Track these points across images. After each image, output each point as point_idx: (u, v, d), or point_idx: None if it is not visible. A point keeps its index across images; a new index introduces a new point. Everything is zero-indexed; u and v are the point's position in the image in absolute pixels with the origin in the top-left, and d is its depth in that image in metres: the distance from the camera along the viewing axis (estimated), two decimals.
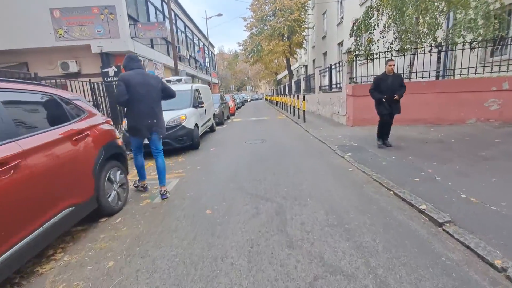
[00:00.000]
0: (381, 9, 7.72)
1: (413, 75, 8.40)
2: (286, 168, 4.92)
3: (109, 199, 3.28)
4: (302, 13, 24.33)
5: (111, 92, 11.72)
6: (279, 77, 38.04)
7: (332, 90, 11.24)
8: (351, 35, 8.71)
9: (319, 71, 13.27)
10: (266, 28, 25.85)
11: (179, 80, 8.87)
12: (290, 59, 27.77)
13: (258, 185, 4.15)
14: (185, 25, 22.04)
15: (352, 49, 8.76)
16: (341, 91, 9.70)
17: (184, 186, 4.34)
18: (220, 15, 24.17)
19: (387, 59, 5.93)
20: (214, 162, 5.78)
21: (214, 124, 10.87)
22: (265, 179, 4.39)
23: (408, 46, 7.71)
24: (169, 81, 8.90)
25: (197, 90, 8.61)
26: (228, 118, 15.67)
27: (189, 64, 22.22)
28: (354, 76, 8.95)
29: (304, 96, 11.08)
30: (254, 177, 4.52)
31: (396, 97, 5.39)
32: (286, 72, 37.12)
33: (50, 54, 12.32)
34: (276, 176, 4.53)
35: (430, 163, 4.48)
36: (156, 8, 16.15)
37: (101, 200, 3.12)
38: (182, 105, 7.48)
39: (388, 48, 8.25)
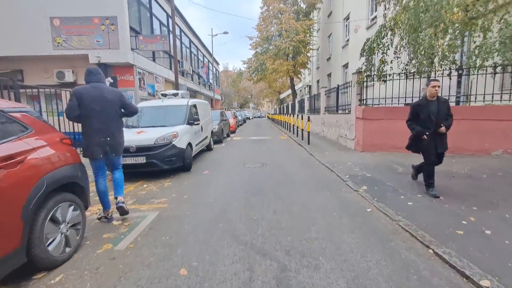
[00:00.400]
0: (396, 29, 7.11)
1: None
2: (289, 204, 4.03)
3: (50, 248, 2.39)
4: (308, 35, 24.25)
5: None
6: (282, 96, 37.81)
7: (339, 112, 10.52)
8: (362, 55, 8.09)
9: (325, 91, 12.64)
10: (271, 47, 25.73)
11: (175, 94, 8.16)
12: (294, 78, 27.48)
13: (254, 227, 3.25)
14: (190, 41, 21.87)
15: (362, 70, 8.10)
16: (349, 113, 8.96)
17: (161, 225, 3.44)
18: (226, 33, 24.16)
19: (430, 79, 4.73)
20: (205, 191, 4.90)
21: (212, 143, 10.07)
22: (263, 219, 3.50)
23: (426, 68, 7.02)
24: (164, 95, 8.21)
25: (193, 105, 7.88)
26: (228, 136, 14.91)
27: (192, 79, 21.83)
28: (364, 98, 8.23)
29: (309, 117, 10.34)
30: (249, 215, 3.63)
31: (443, 128, 4.07)
32: (289, 91, 36.87)
33: (46, 63, 11.79)
34: (277, 215, 3.64)
35: (469, 207, 3.59)
36: (161, 23, 15.88)
37: (35, 251, 2.23)
38: (175, 122, 6.71)
39: (403, 70, 7.58)
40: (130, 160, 5.53)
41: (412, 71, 7.41)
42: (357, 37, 16.05)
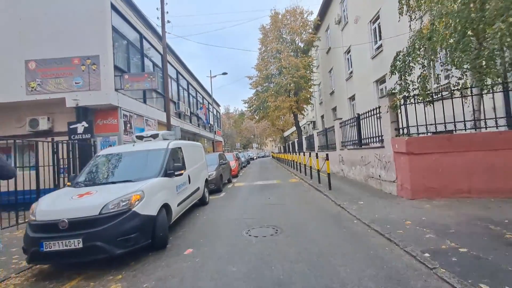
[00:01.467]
0: (436, 37, 5.30)
1: (480, 123, 5.59)
2: None
3: None
4: (308, 71, 23.34)
5: (81, 152, 9.21)
6: (286, 133, 36.32)
7: (363, 146, 8.40)
8: (393, 72, 6.21)
9: (340, 123, 10.66)
10: (272, 85, 24.75)
11: (155, 136, 6.16)
12: (298, 115, 26.01)
13: None
14: (188, 83, 20.88)
15: (396, 90, 6.16)
16: (383, 146, 6.81)
17: None
18: (225, 73, 23.43)
19: None
20: None
21: (207, 194, 7.81)
22: None
23: (489, 82, 5.03)
24: (140, 137, 6.21)
25: (177, 149, 5.82)
26: (229, 181, 12.65)
27: (190, 121, 20.33)
28: (402, 126, 6.15)
29: (327, 155, 8.16)
30: None
31: None
32: (293, 128, 35.36)
33: (19, 110, 10.19)
34: None
35: None
36: (154, 64, 14.75)
37: None
38: (146, 174, 4.57)
39: (455, 85, 5.60)
40: (57, 245, 3.28)
41: (469, 86, 5.41)
42: (362, 68, 14.76)
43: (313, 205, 6.57)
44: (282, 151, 37.98)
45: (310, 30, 23.44)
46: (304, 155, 13.29)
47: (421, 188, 5.63)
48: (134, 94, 11.79)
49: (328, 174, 7.95)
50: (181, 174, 5.07)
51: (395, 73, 6.12)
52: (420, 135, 5.86)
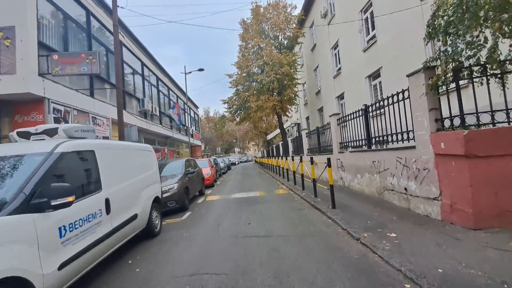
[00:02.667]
0: None
1: None
2: None
3: None
4: (292, 69, 21.35)
5: None
6: (269, 136, 34.20)
7: (376, 147, 6.24)
8: (431, 36, 4.06)
9: (338, 119, 8.48)
10: (254, 84, 22.53)
11: (51, 132, 3.56)
12: (282, 116, 23.90)
13: None
14: (158, 79, 18.15)
15: (439, 62, 4.02)
16: (412, 146, 4.65)
17: None
18: (201, 70, 20.87)
19: None
20: None
21: (158, 220, 5.26)
22: None
23: None
24: (25, 135, 3.58)
25: (80, 155, 3.25)
26: (201, 194, 10.09)
27: (161, 123, 17.55)
28: (450, 115, 4.01)
29: (329, 160, 5.86)
30: None
31: None
32: (277, 131, 33.28)
33: None
34: None
35: None
36: (108, 50, 11.98)
37: None
38: None
39: None
40: None
41: None
42: (352, 62, 12.99)
43: (316, 238, 4.23)
44: (266, 155, 35.79)
45: (294, 25, 21.55)
46: (293, 159, 11.02)
47: (492, 211, 3.47)
48: (74, 84, 9.03)
49: (331, 186, 5.66)
50: (69, 204, 2.52)
51: (438, 36, 3.97)
52: (485, 127, 3.72)
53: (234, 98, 23.90)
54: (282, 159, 13.85)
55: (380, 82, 10.92)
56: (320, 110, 20.26)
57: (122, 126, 9.14)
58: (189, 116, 27.48)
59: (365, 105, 6.55)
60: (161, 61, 19.96)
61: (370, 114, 6.35)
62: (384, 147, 5.81)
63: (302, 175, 8.71)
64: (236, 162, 42.65)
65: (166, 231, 5.41)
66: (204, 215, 6.70)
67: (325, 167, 5.97)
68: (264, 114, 22.84)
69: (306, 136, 13.06)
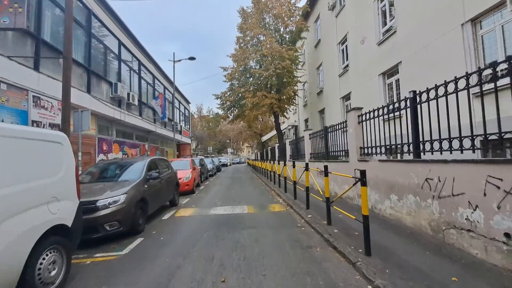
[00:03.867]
0: None
1: None
2: None
3: None
4: (293, 65, 19.18)
5: None
6: (265, 138, 31.91)
7: (428, 156, 4.00)
8: None
9: (360, 115, 6.16)
10: (250, 79, 20.30)
11: None
12: (279, 116, 21.65)
13: None
14: (141, 64, 15.69)
15: None
16: None
17: None
18: (192, 58, 18.48)
19: None
20: None
21: (56, 271, 2.89)
22: None
23: None
24: None
25: None
26: (173, 204, 7.69)
27: (140, 114, 15.10)
28: None
29: (362, 174, 3.58)
30: None
31: None
32: (273, 132, 31.05)
33: None
34: None
35: None
36: (79, 25, 9.52)
37: None
38: None
39: None
40: None
41: None
42: (364, 57, 11.09)
43: None
44: (260, 158, 33.52)
45: (297, 18, 19.43)
46: (294, 166, 8.74)
47: None
48: (8, 48, 6.59)
49: (365, 218, 3.37)
50: None
51: None
52: None
53: (228, 93, 21.56)
54: (277, 164, 11.56)
55: (397, 80, 9.00)
56: (322, 112, 18.26)
57: (68, 109, 6.72)
58: (177, 111, 25.03)
59: (414, 91, 4.31)
60: (157, 57, 17.56)
61: (423, 103, 4.12)
62: (446, 157, 3.55)
63: (307, 189, 6.42)
64: (228, 163, 40.23)
65: (92, 273, 3.05)
66: (159, 247, 4.33)
67: (356, 182, 3.68)
68: (260, 112, 20.57)
69: (310, 138, 10.81)
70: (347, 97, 13.69)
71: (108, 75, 11.69)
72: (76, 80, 9.34)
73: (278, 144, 21.22)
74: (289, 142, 16.39)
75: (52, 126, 7.99)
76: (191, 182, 9.89)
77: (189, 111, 31.03)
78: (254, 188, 11.69)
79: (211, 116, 47.12)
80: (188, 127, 29.98)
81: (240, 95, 20.63)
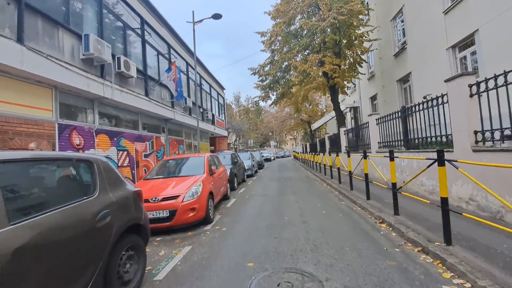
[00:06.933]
0: None
1: None
2: None
3: None
4: (361, 7, 12.89)
5: None
6: (316, 125, 25.83)
7: None
8: None
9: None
10: (296, 41, 14.63)
11: None
12: (339, 91, 15.52)
13: None
14: (145, 22, 11.19)
15: None
16: None
17: None
18: (217, 16, 13.47)
19: None
20: None
21: None
22: None
23: None
24: None
25: None
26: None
27: (147, 94, 10.62)
28: None
29: None
30: None
31: None
32: (325, 119, 24.79)
33: None
34: None
35: None
36: None
37: None
38: None
39: None
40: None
41: None
42: None
43: None
44: (309, 150, 27.61)
45: None
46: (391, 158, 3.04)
47: None
48: None
49: None
50: None
51: None
52: None
53: (268, 65, 16.18)
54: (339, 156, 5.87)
55: None
56: (403, 81, 12.00)
57: None
58: (208, 96, 20.51)
59: None
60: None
61: None
62: None
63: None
64: (272, 158, 35.06)
65: None
66: None
67: None
68: (313, 86, 14.78)
69: (378, 123, 4.87)
70: (465, 43, 7.55)
71: (74, 23, 7.21)
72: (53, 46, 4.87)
73: (328, 135, 15.29)
74: (344, 131, 10.74)
75: None
76: (201, 203, 4.78)
77: (223, 98, 26.50)
78: (318, 196, 6.20)
79: (250, 105, 42.39)
80: (223, 117, 25.49)
81: (285, 64, 15.12)
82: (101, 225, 2.14)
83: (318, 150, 20.51)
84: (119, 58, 8.53)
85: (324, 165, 11.53)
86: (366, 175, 5.63)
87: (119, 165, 9.08)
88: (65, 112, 7.12)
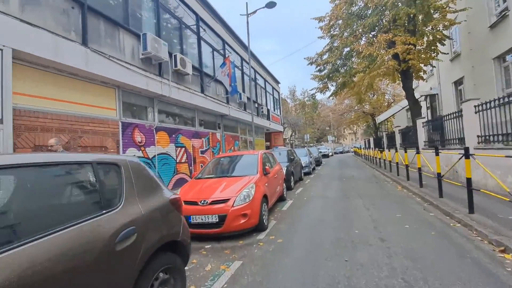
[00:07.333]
0: None
1: None
2: None
3: None
4: None
5: None
6: (381, 118, 22.92)
7: None
8: None
9: None
10: (361, 20, 12.90)
11: None
12: (413, 75, 13.11)
13: None
14: (200, 19, 11.16)
15: None
16: None
17: None
18: (272, 4, 12.67)
19: None
20: None
21: None
22: None
23: None
24: None
25: None
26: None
27: (202, 91, 10.62)
28: None
29: None
30: None
31: None
32: (391, 111, 21.82)
33: None
34: None
35: None
36: None
37: None
38: None
39: None
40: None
41: None
42: None
43: None
44: (373, 145, 24.91)
45: None
46: None
47: None
48: None
49: None
50: None
51: None
52: None
53: (326, 53, 14.74)
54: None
55: None
56: (502, 58, 9.27)
57: None
58: (262, 91, 20.04)
59: None
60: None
61: None
62: None
63: None
64: (330, 154, 32.97)
65: None
66: None
67: None
68: (380, 73, 12.85)
69: (478, 111, 3.21)
70: None
71: (132, 23, 7.39)
72: (48, 16, 5.16)
73: (399, 128, 13.00)
74: (424, 122, 8.75)
75: None
76: (253, 208, 4.17)
77: (278, 93, 25.75)
78: (404, 213, 4.86)
79: (306, 98, 40.60)
80: (278, 111, 24.80)
81: (345, 50, 13.54)
82: (123, 247, 1.65)
83: (386, 145, 18.10)
84: (175, 56, 8.56)
85: (397, 163, 9.80)
86: (469, 180, 4.19)
87: (177, 161, 9.25)
88: (127, 110, 7.40)
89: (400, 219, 4.65)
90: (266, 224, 4.52)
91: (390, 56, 11.92)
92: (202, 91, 10.66)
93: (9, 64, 4.32)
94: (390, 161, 11.06)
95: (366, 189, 8.00)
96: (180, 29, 9.74)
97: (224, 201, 4.04)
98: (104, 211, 1.69)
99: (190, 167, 10.00)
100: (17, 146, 4.67)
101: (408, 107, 15.32)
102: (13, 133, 4.52)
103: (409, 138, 13.22)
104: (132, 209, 1.86)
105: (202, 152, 10.97)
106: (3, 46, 4.23)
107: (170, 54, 8.43)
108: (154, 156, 8.08)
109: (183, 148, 9.70)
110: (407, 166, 8.79)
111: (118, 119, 6.98)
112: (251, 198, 4.18)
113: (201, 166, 10.74)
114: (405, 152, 8.86)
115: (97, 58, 6.02)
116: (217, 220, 3.92)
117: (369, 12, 12.41)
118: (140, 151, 7.59)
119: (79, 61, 5.54)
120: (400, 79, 13.90)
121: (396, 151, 9.93)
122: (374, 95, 24.79)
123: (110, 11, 6.66)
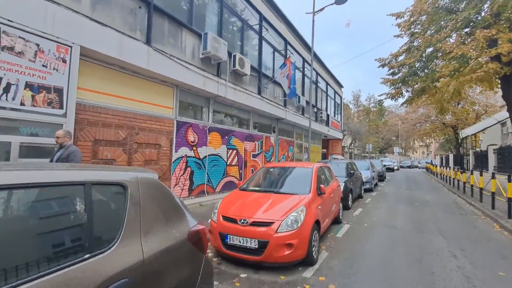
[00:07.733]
0: None
1: None
2: None
3: None
4: None
5: None
6: (468, 132, 18.89)
7: None
8: None
9: None
10: (452, 14, 10.70)
11: None
12: None
13: None
14: (263, 18, 10.74)
15: None
16: None
17: None
18: (341, 1, 11.54)
19: None
20: None
21: None
22: None
23: None
24: None
25: None
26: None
27: (259, 92, 10.19)
28: None
29: None
30: None
31: None
32: (488, 122, 17.85)
33: None
34: None
35: None
36: None
37: None
38: None
39: None
40: None
41: None
42: None
43: None
44: (452, 164, 21.07)
45: None
46: None
47: None
48: None
49: None
50: None
51: None
52: None
53: (403, 54, 12.71)
54: None
55: None
56: None
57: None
58: (324, 94, 18.72)
59: None
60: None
61: None
62: None
63: None
64: (395, 168, 29.24)
65: None
66: None
67: None
68: (475, 77, 10.41)
69: None
70: None
71: (195, 22, 7.33)
72: (116, 15, 5.32)
73: (495, 145, 10.17)
74: None
75: (40, 88, 4.13)
76: (301, 238, 3.40)
77: (341, 97, 23.89)
78: None
79: (372, 105, 36.92)
80: (339, 117, 23.00)
81: (428, 51, 11.43)
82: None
83: (472, 166, 14.85)
84: (234, 56, 8.29)
85: (492, 193, 7.61)
86: None
87: (227, 163, 9.00)
88: (183, 109, 7.39)
89: (509, 281, 3.26)
90: (315, 257, 3.70)
91: (488, 57, 9.55)
92: (259, 93, 10.24)
93: (76, 60, 4.50)
94: (481, 189, 8.74)
95: (448, 223, 6.34)
96: (241, 28, 9.49)
97: (267, 224, 3.39)
98: (88, 255, 1.21)
99: (240, 171, 9.67)
100: (79, 139, 4.88)
101: (505, 121, 12.17)
102: (76, 127, 4.72)
103: (510, 160, 10.39)
104: (129, 251, 1.35)
105: (254, 156, 10.55)
106: (73, 43, 4.42)
107: (229, 54, 8.21)
108: (205, 156, 7.95)
109: (235, 151, 9.42)
110: (509, 199, 6.70)
111: (174, 117, 7.00)
112: (299, 224, 3.42)
113: (252, 171, 10.33)
114: (509, 181, 6.72)
115: (158, 57, 6.06)
116: (257, 246, 3.29)
117: (462, 6, 10.18)
118: (192, 151, 7.52)
119: (142, 60, 5.61)
120: (499, 86, 11.13)
121: (493, 177, 7.74)
122: (459, 104, 20.86)
123: (175, 9, 6.69)
